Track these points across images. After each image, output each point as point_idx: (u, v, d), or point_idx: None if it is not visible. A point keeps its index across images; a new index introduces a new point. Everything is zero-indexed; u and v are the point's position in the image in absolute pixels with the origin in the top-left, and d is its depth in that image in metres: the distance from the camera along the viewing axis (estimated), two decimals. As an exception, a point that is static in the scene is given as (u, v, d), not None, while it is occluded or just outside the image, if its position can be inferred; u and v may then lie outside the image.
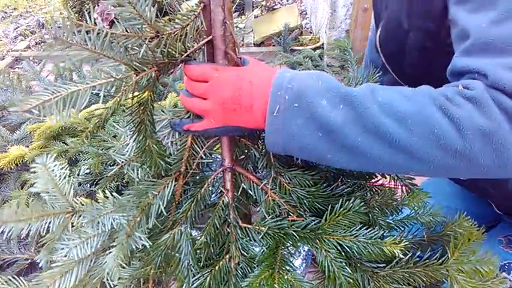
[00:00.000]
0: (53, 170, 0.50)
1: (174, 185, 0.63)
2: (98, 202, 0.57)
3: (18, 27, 3.92)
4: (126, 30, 0.48)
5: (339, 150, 0.52)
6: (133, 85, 0.48)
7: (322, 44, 2.99)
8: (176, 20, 0.53)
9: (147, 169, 0.60)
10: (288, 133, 0.53)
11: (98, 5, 3.15)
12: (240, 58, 0.61)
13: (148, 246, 0.56)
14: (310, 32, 3.37)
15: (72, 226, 0.55)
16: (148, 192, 0.60)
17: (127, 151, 0.60)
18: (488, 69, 0.49)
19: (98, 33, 0.44)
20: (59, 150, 1.32)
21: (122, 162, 0.61)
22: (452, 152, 0.48)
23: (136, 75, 0.49)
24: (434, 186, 1.13)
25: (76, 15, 3.36)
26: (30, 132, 1.45)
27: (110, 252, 0.53)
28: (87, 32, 0.43)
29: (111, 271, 0.50)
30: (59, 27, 0.40)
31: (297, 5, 3.86)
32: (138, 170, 0.62)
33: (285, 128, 0.53)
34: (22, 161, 1.34)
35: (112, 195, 0.57)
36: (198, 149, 0.65)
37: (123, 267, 0.55)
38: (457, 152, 0.48)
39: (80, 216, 0.53)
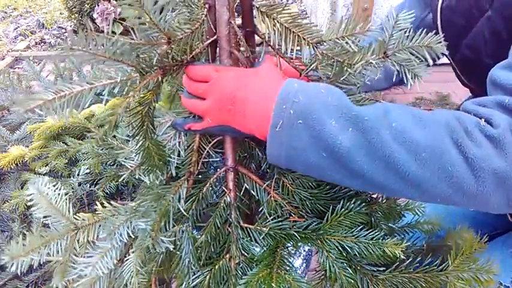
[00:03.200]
0: (47, 194, 0.50)
1: (186, 186, 0.64)
2: (98, 213, 0.56)
3: (18, 27, 3.92)
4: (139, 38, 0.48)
5: (343, 172, 0.49)
6: (140, 89, 0.48)
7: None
8: (187, 25, 0.53)
9: (158, 172, 0.61)
10: (291, 149, 0.50)
11: (98, 5, 3.15)
12: (254, 56, 0.61)
13: (171, 248, 0.56)
14: (310, 33, 3.37)
15: (78, 242, 0.54)
16: (166, 195, 0.61)
17: (136, 156, 0.60)
18: None
19: (113, 42, 0.43)
20: (59, 150, 1.32)
21: (132, 167, 0.61)
22: (464, 190, 0.46)
23: (143, 79, 0.49)
24: None
25: (76, 15, 3.36)
26: (30, 132, 1.45)
27: (127, 260, 0.53)
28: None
29: (131, 278, 0.51)
30: (74, 34, 0.40)
31: (297, 5, 3.86)
32: (150, 174, 0.62)
33: (288, 143, 0.50)
34: (22, 161, 1.34)
35: (111, 203, 0.57)
36: (205, 148, 0.66)
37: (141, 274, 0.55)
38: (468, 191, 0.46)
39: (84, 231, 0.54)
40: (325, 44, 0.57)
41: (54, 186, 0.51)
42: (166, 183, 0.63)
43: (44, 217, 0.51)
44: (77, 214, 0.54)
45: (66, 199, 0.51)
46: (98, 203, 0.57)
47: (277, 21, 0.57)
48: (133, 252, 0.55)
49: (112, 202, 0.57)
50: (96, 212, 0.58)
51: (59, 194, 0.51)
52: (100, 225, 0.55)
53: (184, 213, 0.62)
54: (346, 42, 0.53)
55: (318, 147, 0.48)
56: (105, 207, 0.57)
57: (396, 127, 0.46)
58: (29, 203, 0.48)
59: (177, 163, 0.64)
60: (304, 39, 0.57)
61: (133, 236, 0.55)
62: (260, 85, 0.54)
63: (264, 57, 0.60)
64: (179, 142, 0.61)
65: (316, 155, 0.49)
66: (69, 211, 0.51)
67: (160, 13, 0.46)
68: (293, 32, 0.57)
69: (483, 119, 0.47)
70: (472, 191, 0.46)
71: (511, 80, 0.50)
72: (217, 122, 0.58)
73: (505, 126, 0.45)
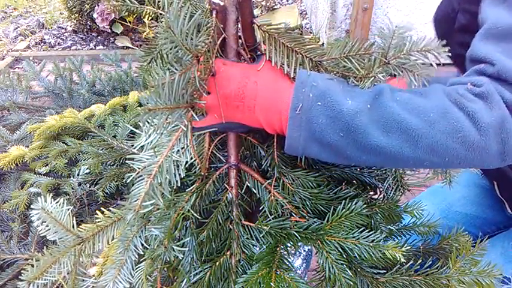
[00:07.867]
0: (51, 212, 0.50)
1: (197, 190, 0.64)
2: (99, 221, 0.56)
3: (18, 27, 3.91)
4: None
5: (360, 149, 0.52)
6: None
7: (322, 44, 2.99)
8: (203, 35, 0.52)
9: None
10: (310, 131, 0.53)
11: (98, 5, 3.15)
12: (255, 55, 0.61)
13: (180, 257, 0.57)
14: (310, 32, 3.37)
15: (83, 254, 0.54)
16: (178, 202, 0.61)
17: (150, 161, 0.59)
18: (496, 57, 0.51)
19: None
20: (59, 150, 1.32)
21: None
22: (469, 144, 0.50)
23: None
24: (446, 191, 1.11)
25: (76, 15, 3.36)
26: (30, 132, 1.45)
27: (138, 267, 0.53)
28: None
29: (141, 285, 0.52)
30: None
31: (297, 5, 3.86)
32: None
33: (307, 126, 0.53)
34: (22, 161, 1.34)
35: (110, 210, 0.57)
36: (214, 152, 0.65)
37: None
38: (474, 145, 0.49)
39: (89, 242, 0.54)
40: (328, 61, 0.57)
41: (56, 202, 0.51)
42: (179, 192, 0.63)
43: (55, 237, 0.51)
44: (80, 226, 0.54)
45: (69, 214, 0.51)
46: (98, 212, 0.57)
47: (280, 42, 0.57)
48: (144, 260, 0.56)
49: (111, 209, 0.57)
50: (97, 220, 0.57)
51: (62, 209, 0.51)
52: (103, 233, 0.55)
53: (198, 216, 0.62)
54: (351, 62, 0.54)
55: (335, 127, 0.52)
56: (103, 213, 0.57)
57: (400, 100, 0.51)
58: (35, 224, 0.48)
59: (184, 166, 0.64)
60: (307, 57, 0.57)
61: (148, 247, 0.56)
62: (269, 80, 0.56)
63: (261, 57, 0.61)
64: (187, 145, 0.61)
65: (333, 135, 0.52)
66: (73, 226, 0.51)
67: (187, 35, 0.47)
68: (296, 51, 0.57)
69: (469, 83, 0.52)
70: (476, 143, 0.50)
71: (483, 51, 0.55)
72: (225, 118, 0.58)
73: (487, 83, 0.51)
